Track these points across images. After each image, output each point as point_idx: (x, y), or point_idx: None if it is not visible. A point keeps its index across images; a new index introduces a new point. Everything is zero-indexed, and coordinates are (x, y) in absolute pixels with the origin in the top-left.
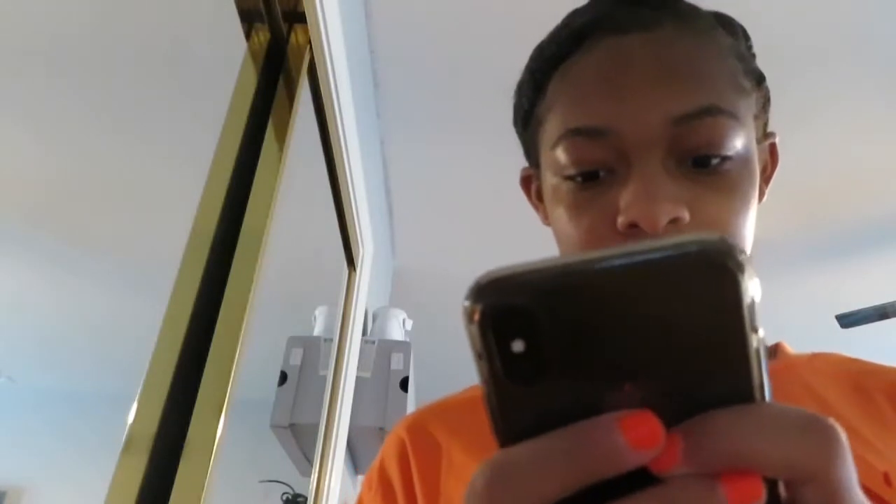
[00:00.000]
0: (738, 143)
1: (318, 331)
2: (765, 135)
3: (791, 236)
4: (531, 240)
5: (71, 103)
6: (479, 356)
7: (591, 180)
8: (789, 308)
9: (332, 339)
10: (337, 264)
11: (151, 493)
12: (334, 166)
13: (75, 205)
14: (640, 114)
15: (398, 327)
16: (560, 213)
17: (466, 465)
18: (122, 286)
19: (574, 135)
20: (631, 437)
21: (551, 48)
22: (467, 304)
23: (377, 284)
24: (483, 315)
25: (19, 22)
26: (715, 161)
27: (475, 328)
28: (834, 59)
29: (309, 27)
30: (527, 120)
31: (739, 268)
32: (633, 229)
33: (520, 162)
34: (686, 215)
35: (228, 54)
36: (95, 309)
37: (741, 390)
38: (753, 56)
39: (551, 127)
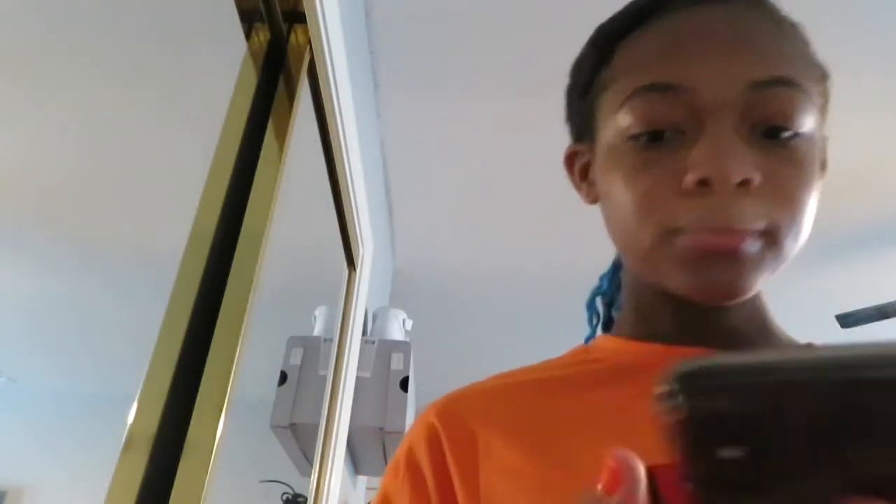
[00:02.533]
0: (809, 120)
1: (318, 331)
2: (822, 134)
3: None
4: (531, 240)
5: (69, 103)
6: (678, 449)
7: (656, 141)
8: (789, 308)
9: (332, 339)
10: (337, 264)
11: (151, 493)
12: (334, 166)
13: (75, 204)
14: (718, 74)
15: (398, 327)
16: (615, 178)
17: (506, 453)
18: (122, 286)
19: (646, 91)
20: None
21: (620, 19)
22: (670, 396)
23: (377, 284)
24: (689, 417)
25: (13, 22)
26: (785, 134)
27: (679, 428)
28: (834, 59)
29: (309, 27)
30: (585, 89)
31: None
32: (703, 188)
33: (521, 164)
34: (758, 178)
35: (228, 54)
36: (95, 309)
37: None
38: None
39: (619, 88)
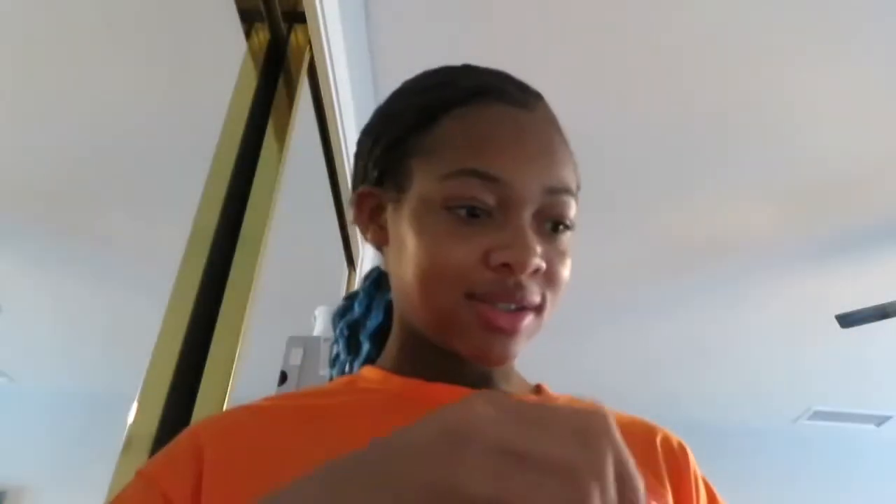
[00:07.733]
0: (573, 219)
1: (318, 331)
2: None
3: (791, 236)
4: None
5: (69, 102)
6: None
7: (471, 217)
8: (789, 308)
9: (332, 339)
10: (337, 264)
11: None
12: (334, 166)
13: (75, 204)
14: (528, 176)
15: None
16: (423, 237)
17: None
18: (122, 286)
19: (472, 175)
20: None
21: (447, 93)
22: None
23: None
24: None
25: (14, 21)
26: (561, 227)
27: None
28: (834, 59)
29: (309, 27)
30: (397, 144)
31: None
32: (504, 268)
33: None
34: (544, 266)
35: (228, 54)
36: (95, 309)
37: None
38: None
39: (442, 159)
